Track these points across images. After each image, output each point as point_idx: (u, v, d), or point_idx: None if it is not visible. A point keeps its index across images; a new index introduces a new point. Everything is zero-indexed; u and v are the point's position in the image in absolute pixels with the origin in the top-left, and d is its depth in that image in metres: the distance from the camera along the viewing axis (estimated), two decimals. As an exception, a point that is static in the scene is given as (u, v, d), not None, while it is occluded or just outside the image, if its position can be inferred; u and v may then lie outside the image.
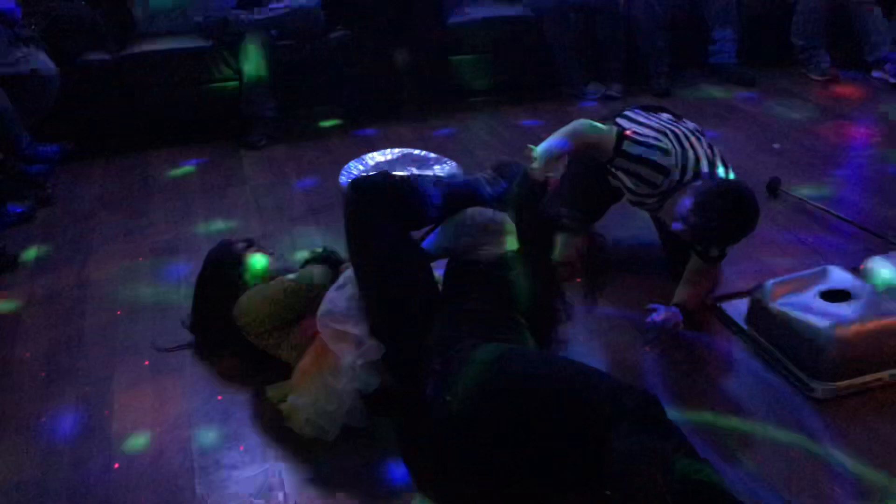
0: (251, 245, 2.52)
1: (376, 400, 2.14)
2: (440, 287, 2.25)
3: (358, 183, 2.20)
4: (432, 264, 2.27)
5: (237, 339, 2.36)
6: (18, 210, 3.39)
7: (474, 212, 2.28)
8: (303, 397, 2.11)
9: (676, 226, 2.36)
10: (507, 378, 1.86)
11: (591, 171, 2.64)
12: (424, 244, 2.28)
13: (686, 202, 2.32)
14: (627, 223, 2.98)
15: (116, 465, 2.09)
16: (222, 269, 2.45)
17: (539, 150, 2.33)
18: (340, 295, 2.17)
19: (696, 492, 1.64)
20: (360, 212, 2.14)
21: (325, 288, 2.25)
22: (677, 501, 1.60)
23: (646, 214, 2.79)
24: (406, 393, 2.11)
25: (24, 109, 3.62)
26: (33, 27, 3.82)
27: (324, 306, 2.17)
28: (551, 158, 2.33)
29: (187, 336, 2.54)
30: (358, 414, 2.12)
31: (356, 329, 2.10)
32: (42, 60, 3.71)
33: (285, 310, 2.27)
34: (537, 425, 1.82)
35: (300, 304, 2.27)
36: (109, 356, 2.52)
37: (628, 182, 2.51)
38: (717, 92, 4.49)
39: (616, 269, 2.66)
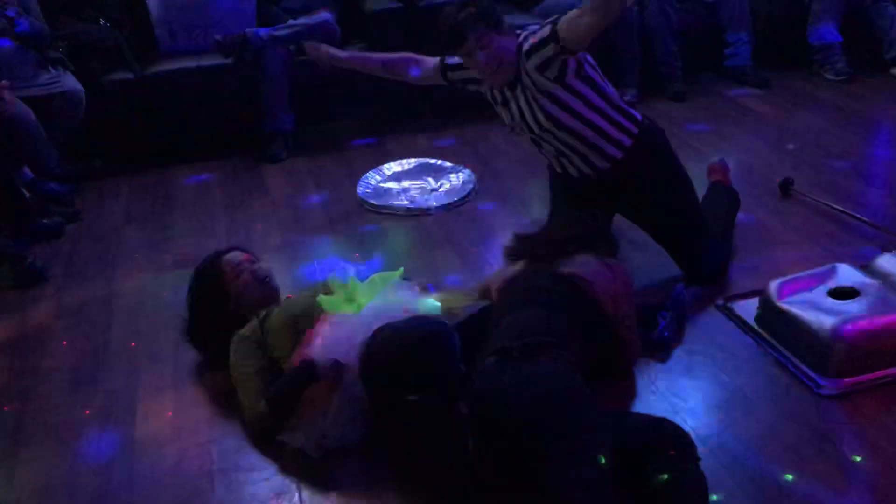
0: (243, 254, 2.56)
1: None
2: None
3: (369, 357, 2.08)
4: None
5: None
6: (47, 226, 3.50)
7: None
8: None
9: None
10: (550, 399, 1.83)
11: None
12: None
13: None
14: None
15: (139, 469, 2.17)
16: (209, 281, 2.51)
17: None
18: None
19: None
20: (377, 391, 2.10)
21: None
22: None
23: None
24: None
25: (52, 130, 3.74)
26: (60, 50, 3.95)
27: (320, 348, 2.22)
28: None
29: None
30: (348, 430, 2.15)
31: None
32: (69, 82, 3.84)
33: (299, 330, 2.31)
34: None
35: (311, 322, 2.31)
36: (134, 365, 2.60)
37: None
38: (732, 94, 4.50)
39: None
